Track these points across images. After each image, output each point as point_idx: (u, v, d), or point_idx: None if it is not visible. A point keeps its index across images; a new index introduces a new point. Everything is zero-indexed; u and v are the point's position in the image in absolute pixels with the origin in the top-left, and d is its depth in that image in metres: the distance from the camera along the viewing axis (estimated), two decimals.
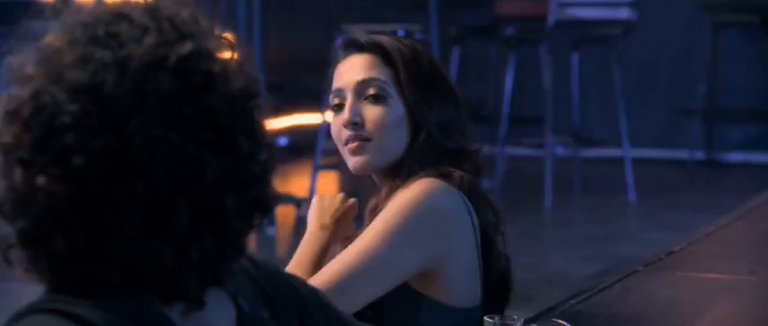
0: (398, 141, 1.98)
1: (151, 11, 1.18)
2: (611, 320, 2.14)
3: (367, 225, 1.95)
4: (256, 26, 5.86)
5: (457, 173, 1.96)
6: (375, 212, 1.97)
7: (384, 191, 1.99)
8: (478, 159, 2.04)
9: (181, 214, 1.13)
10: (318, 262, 1.98)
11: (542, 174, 6.34)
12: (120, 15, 1.17)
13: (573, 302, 2.19)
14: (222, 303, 1.26)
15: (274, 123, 5.86)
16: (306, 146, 6.72)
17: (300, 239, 2.04)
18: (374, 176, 2.05)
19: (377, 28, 5.92)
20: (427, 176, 1.95)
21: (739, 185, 6.96)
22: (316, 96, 5.45)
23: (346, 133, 1.99)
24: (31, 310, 1.15)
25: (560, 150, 6.89)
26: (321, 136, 5.91)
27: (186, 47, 1.15)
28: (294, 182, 6.69)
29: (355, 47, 2.04)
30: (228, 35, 1.24)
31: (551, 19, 6.37)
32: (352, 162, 1.99)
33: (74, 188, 1.12)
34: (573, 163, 6.79)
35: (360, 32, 2.06)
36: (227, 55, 1.20)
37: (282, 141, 7.20)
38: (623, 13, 6.48)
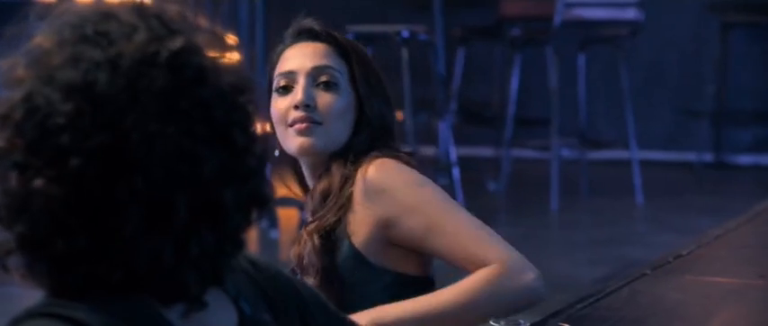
0: (343, 130, 2.07)
1: (138, 9, 1.18)
2: (619, 324, 2.13)
3: (317, 205, 2.04)
4: (259, 28, 5.86)
5: (404, 155, 2.09)
6: (328, 193, 2.04)
7: (336, 175, 2.05)
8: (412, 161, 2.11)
9: (180, 210, 1.13)
10: None
11: (548, 176, 6.34)
12: (107, 15, 1.18)
13: (579, 306, 2.18)
14: (223, 305, 1.26)
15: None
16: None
17: None
18: (306, 161, 2.10)
19: (380, 29, 5.92)
20: (386, 156, 2.05)
21: (748, 187, 6.96)
22: None
23: (296, 114, 2.05)
24: (30, 314, 1.15)
25: (566, 152, 6.88)
26: None
27: (177, 42, 1.16)
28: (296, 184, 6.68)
29: (308, 35, 2.12)
30: (228, 35, 1.25)
31: (557, 19, 6.36)
32: (299, 142, 2.05)
33: (71, 189, 1.11)
34: (579, 165, 6.78)
35: (310, 21, 2.13)
36: (216, 50, 1.20)
37: None
38: (630, 14, 6.48)
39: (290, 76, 2.09)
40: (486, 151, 6.93)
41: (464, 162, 6.30)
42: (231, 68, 1.20)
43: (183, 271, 1.16)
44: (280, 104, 2.08)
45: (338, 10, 6.75)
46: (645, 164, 6.62)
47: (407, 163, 2.06)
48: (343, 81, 2.09)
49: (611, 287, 2.33)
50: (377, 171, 2.02)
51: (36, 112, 1.13)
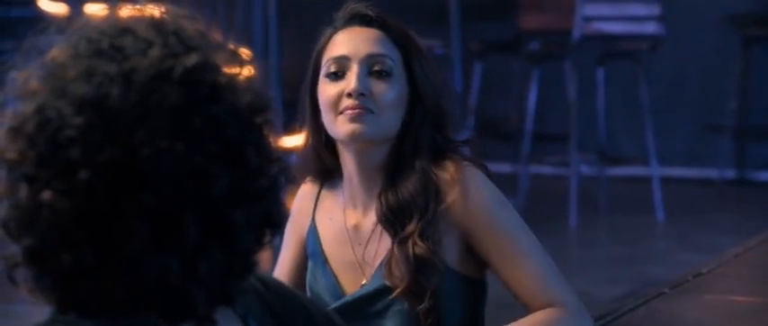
0: (395, 120, 2.06)
1: (156, 25, 1.19)
2: None
3: (394, 210, 2.02)
4: (272, 41, 5.88)
5: (482, 165, 2.09)
6: (409, 198, 2.02)
7: (413, 178, 2.02)
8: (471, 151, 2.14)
9: (188, 228, 1.14)
10: None
11: (567, 192, 6.33)
12: (124, 30, 1.19)
13: (597, 324, 2.19)
14: (231, 323, 1.26)
15: (290, 141, 5.87)
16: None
17: None
18: (352, 148, 2.06)
19: None
20: (470, 162, 2.06)
21: None
22: None
23: (349, 102, 2.03)
24: None
25: (585, 168, 6.87)
26: None
27: (192, 59, 1.17)
28: None
29: (362, 20, 2.09)
30: (242, 50, 1.26)
31: (576, 33, 6.36)
32: (350, 128, 2.02)
33: (80, 203, 1.13)
34: (598, 181, 6.77)
35: (364, 5, 2.11)
36: (234, 69, 1.21)
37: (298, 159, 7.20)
38: (650, 28, 6.47)
39: (343, 61, 2.06)
40: (503, 167, 6.92)
41: None
42: (248, 87, 1.21)
43: (190, 290, 1.16)
44: (330, 90, 2.05)
45: None
46: (665, 180, 6.61)
47: (487, 174, 2.07)
48: (397, 70, 2.06)
49: (629, 306, 2.34)
50: (471, 183, 2.03)
51: (47, 124, 1.14)
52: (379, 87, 2.04)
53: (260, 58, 5.83)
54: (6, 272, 1.18)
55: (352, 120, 2.02)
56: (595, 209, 6.61)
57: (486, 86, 7.07)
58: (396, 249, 2.02)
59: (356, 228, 2.11)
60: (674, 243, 6.03)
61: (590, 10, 6.40)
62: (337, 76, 2.05)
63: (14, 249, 1.17)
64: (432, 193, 2.02)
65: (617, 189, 6.93)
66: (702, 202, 7.01)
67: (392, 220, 2.04)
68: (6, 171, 1.16)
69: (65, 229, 1.13)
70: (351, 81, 2.03)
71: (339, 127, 2.03)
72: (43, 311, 1.20)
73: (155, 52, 1.16)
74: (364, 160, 2.07)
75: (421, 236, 2.00)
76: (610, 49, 6.66)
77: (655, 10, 6.45)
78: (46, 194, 1.13)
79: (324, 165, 2.14)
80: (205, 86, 1.17)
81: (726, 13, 7.26)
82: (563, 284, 2.02)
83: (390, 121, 2.04)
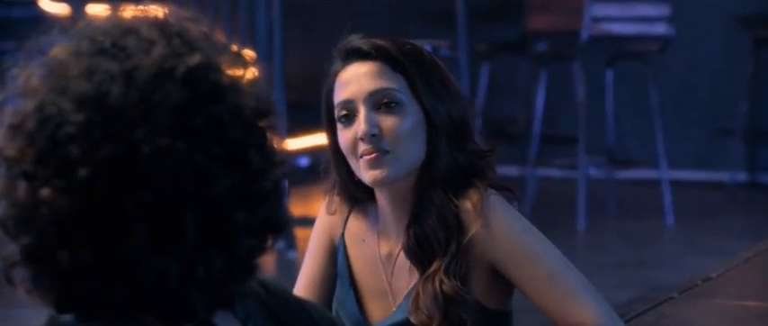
0: (416, 150, 2.03)
1: (160, 26, 1.20)
2: None
3: (421, 244, 2.02)
4: (277, 42, 5.88)
5: (505, 188, 2.08)
6: (432, 233, 2.01)
7: (434, 214, 2.01)
8: (493, 162, 2.10)
9: (188, 229, 1.14)
10: None
11: (575, 196, 6.33)
12: (127, 29, 1.20)
13: None
14: None
15: (295, 143, 5.87)
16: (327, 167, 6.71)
17: None
18: (385, 191, 2.06)
19: None
20: (490, 191, 2.04)
21: None
22: None
23: (363, 146, 2.01)
24: None
25: (594, 171, 6.87)
26: None
27: (195, 59, 1.17)
28: (315, 204, 6.70)
29: (357, 54, 2.05)
30: (246, 52, 1.26)
31: (585, 34, 6.37)
32: (372, 175, 2.01)
33: (79, 201, 1.13)
34: (607, 185, 6.77)
35: (356, 38, 2.07)
36: (238, 71, 1.22)
37: (303, 162, 7.22)
38: (660, 29, 6.47)
39: (349, 105, 2.03)
40: (510, 170, 6.92)
41: None
42: (252, 89, 1.21)
43: (189, 292, 1.16)
44: (345, 136, 2.03)
45: (358, 25, 6.77)
46: (675, 184, 6.61)
47: (508, 197, 2.07)
48: (406, 97, 2.03)
49: (636, 311, 2.34)
50: (492, 213, 2.01)
51: (47, 121, 1.15)
52: (389, 122, 2.01)
53: (264, 60, 5.84)
54: (3, 271, 1.18)
55: (372, 166, 2.01)
56: (604, 212, 6.61)
57: (493, 88, 7.08)
58: (422, 286, 2.02)
59: (389, 256, 2.11)
60: (683, 247, 6.03)
61: (598, 10, 6.40)
62: (349, 119, 2.03)
63: (12, 249, 1.17)
64: (453, 227, 2.02)
65: (626, 192, 6.93)
66: (713, 205, 7.01)
67: (419, 255, 2.04)
68: (5, 169, 1.17)
69: (63, 227, 1.13)
70: (360, 124, 2.01)
71: (362, 174, 2.03)
72: (43, 315, 1.21)
73: (157, 51, 1.17)
74: (394, 193, 2.07)
75: (446, 272, 2.00)
76: (619, 50, 6.66)
77: (664, 11, 6.45)
78: (45, 192, 1.14)
79: (355, 197, 2.14)
80: (208, 86, 1.17)
81: (736, 14, 7.26)
82: (595, 298, 2.02)
83: (410, 153, 2.02)
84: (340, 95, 2.05)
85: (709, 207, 6.96)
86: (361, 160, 2.02)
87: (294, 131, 5.84)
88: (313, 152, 7.40)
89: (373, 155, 2.00)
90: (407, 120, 2.02)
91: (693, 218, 6.55)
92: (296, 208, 6.29)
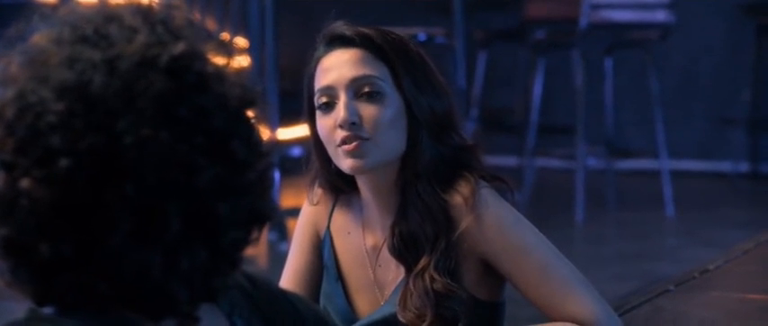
0: (397, 140, 2.03)
1: (143, 13, 1.20)
2: None
3: (407, 242, 2.02)
4: (269, 31, 5.88)
5: (495, 179, 2.08)
6: (420, 230, 2.01)
7: (422, 209, 2.01)
8: (479, 155, 2.09)
9: (171, 220, 1.14)
10: None
11: (573, 186, 6.33)
12: (110, 17, 1.19)
13: None
14: (216, 321, 1.27)
15: (287, 132, 5.88)
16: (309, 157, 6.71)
17: None
18: (364, 178, 2.06)
19: (398, 31, 5.91)
20: (483, 182, 2.04)
21: None
22: None
23: (342, 134, 2.01)
24: None
25: (593, 161, 6.88)
26: None
27: (179, 47, 1.17)
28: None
29: (341, 41, 2.05)
30: (238, 40, 1.26)
31: (583, 22, 6.36)
32: (350, 163, 2.01)
33: (59, 192, 1.13)
34: (606, 175, 6.78)
35: (341, 25, 2.06)
36: (223, 60, 1.22)
37: (296, 151, 7.22)
38: (660, 16, 6.47)
39: (330, 91, 2.02)
40: (508, 160, 6.93)
41: None
42: (238, 79, 1.21)
43: (172, 286, 1.16)
44: (325, 123, 2.03)
45: (352, 13, 6.76)
46: (676, 174, 6.61)
47: (501, 187, 2.07)
48: (387, 86, 2.02)
49: (632, 303, 2.34)
50: (484, 207, 2.00)
51: (28, 110, 1.14)
52: (369, 111, 2.01)
53: (256, 48, 5.83)
54: None
55: (350, 154, 2.00)
56: (603, 203, 6.61)
57: (491, 77, 7.08)
58: (412, 283, 2.02)
59: (374, 248, 2.12)
60: (684, 239, 6.04)
61: None
62: (328, 106, 2.03)
63: None
64: (442, 222, 2.01)
65: (625, 183, 6.93)
66: (714, 196, 7.01)
67: (404, 253, 2.04)
68: None
69: (43, 218, 1.13)
70: (340, 111, 2.01)
71: (341, 161, 2.03)
72: (25, 307, 1.21)
73: (140, 39, 1.17)
74: (375, 184, 2.07)
75: (436, 269, 2.00)
76: (618, 37, 6.66)
77: None
78: (24, 182, 1.13)
79: (338, 188, 2.14)
80: (192, 75, 1.17)
81: (739, 1, 7.26)
82: (589, 291, 2.02)
83: (390, 142, 2.02)
84: (321, 81, 2.04)
85: (710, 198, 6.96)
86: (340, 149, 2.01)
87: (287, 120, 5.84)
88: (306, 142, 7.39)
89: (352, 144, 2.00)
90: (388, 109, 2.02)
91: (694, 209, 6.56)
92: (288, 198, 6.27)
